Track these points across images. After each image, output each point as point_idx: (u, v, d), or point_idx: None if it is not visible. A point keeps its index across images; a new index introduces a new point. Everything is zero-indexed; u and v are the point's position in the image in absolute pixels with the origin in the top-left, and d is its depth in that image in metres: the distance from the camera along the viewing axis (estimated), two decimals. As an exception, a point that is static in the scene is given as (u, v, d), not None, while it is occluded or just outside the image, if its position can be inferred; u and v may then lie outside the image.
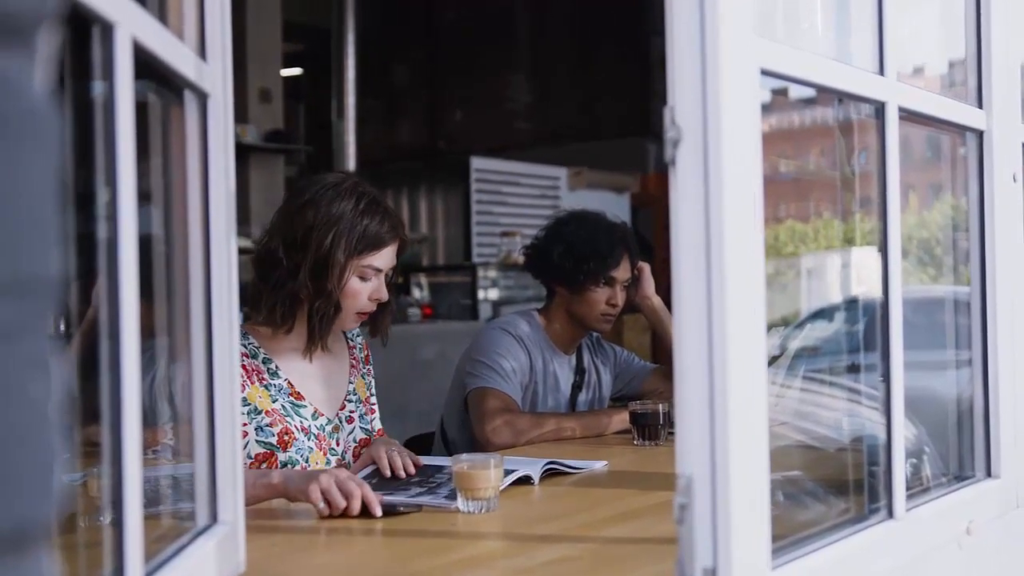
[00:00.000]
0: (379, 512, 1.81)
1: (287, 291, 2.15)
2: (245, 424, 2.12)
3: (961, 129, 1.74)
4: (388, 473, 2.07)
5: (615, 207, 6.10)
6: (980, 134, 1.74)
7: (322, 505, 1.80)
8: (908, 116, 1.51)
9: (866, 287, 1.71)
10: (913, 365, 1.48)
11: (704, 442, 1.09)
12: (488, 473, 1.82)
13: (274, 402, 2.18)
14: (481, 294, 6.93)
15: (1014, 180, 1.78)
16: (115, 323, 0.94)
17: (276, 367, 2.22)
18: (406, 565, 1.60)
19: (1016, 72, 1.80)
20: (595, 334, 3.09)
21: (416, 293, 7.00)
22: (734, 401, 1.08)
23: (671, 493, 1.12)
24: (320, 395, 2.27)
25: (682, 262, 1.10)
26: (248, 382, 2.15)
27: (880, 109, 1.45)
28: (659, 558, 1.48)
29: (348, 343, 2.39)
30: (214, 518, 1.32)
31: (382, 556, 1.70)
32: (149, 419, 1.19)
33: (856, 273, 1.83)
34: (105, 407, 0.94)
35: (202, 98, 1.29)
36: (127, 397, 0.94)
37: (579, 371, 3.03)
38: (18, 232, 0.51)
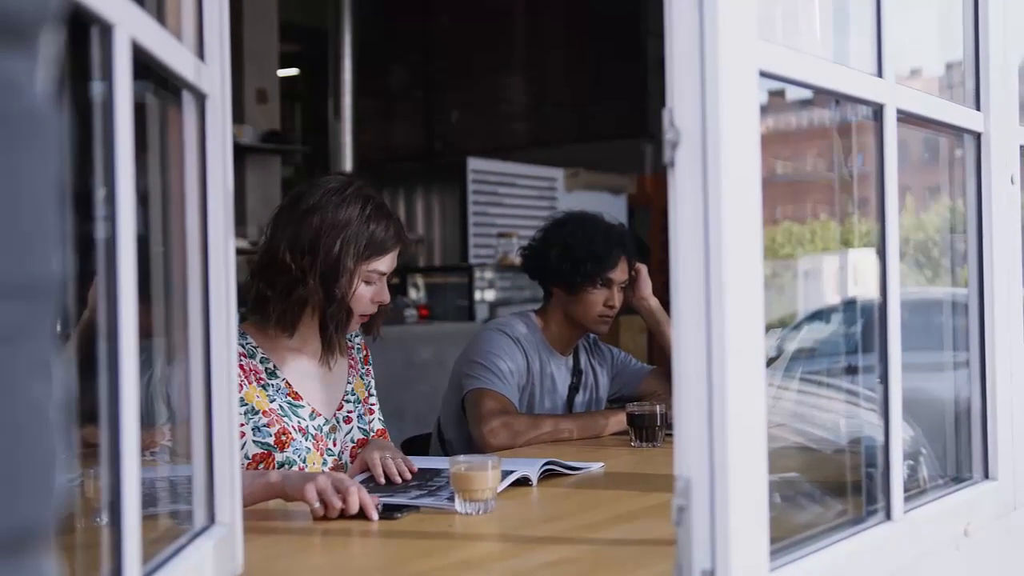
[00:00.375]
0: (375, 517, 1.80)
1: (295, 297, 2.16)
2: (242, 425, 2.11)
3: (959, 131, 1.75)
4: (382, 480, 2.05)
5: (612, 208, 6.09)
6: (978, 136, 1.75)
7: (317, 505, 1.80)
8: (906, 118, 1.51)
9: (863, 289, 1.71)
10: (910, 367, 1.48)
11: (703, 444, 1.09)
12: (486, 474, 1.82)
13: (272, 402, 2.17)
14: (478, 295, 6.92)
15: (1012, 182, 1.78)
16: (113, 324, 0.94)
17: (274, 367, 2.22)
18: (403, 566, 1.59)
19: (1014, 74, 1.81)
20: (592, 335, 3.09)
21: (412, 294, 7.00)
22: (733, 403, 1.08)
23: (669, 495, 1.12)
24: (318, 395, 2.27)
25: (681, 264, 1.10)
26: (245, 382, 2.15)
27: (879, 111, 1.45)
28: (657, 560, 1.48)
29: (347, 343, 2.39)
30: (212, 519, 1.32)
31: (379, 557, 1.70)
32: (145, 420, 1.19)
33: (853, 275, 1.83)
34: (103, 408, 0.94)
35: (200, 99, 1.29)
36: (125, 398, 0.94)
37: (576, 372, 3.03)
38: (20, 234, 0.51)
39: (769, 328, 1.20)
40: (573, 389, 3.02)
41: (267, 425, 2.15)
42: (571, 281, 2.89)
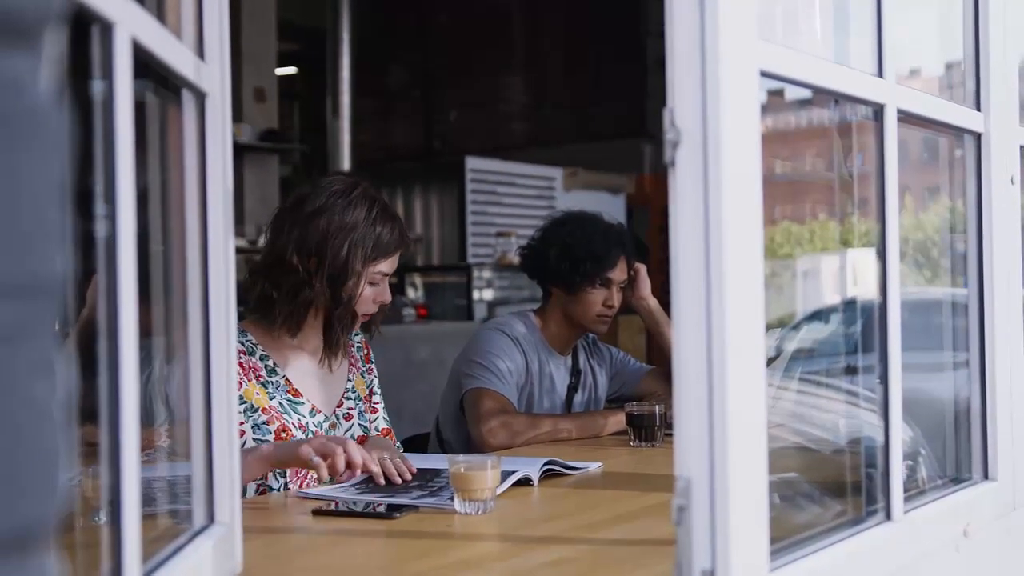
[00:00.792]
0: (375, 468, 1.95)
1: (302, 299, 2.17)
2: (242, 423, 2.11)
3: (959, 132, 1.75)
4: (382, 481, 2.03)
5: (610, 208, 6.09)
6: (978, 136, 1.75)
7: (316, 459, 1.84)
8: (907, 118, 1.51)
9: (862, 289, 1.71)
10: (910, 367, 1.48)
11: (703, 444, 1.09)
12: (485, 474, 1.82)
13: (272, 399, 2.18)
14: (476, 294, 6.92)
15: (1012, 183, 1.78)
16: (114, 322, 0.94)
17: (274, 364, 2.22)
18: (403, 566, 1.59)
19: (1014, 75, 1.81)
20: (591, 335, 3.09)
21: (411, 293, 7.00)
22: (733, 403, 1.08)
23: (669, 495, 1.12)
24: (318, 392, 2.28)
25: (681, 264, 1.10)
26: (245, 379, 2.15)
27: (879, 111, 1.45)
28: (657, 560, 1.48)
29: (348, 342, 2.39)
30: (211, 518, 1.31)
31: (379, 557, 1.70)
32: (144, 419, 1.19)
33: (852, 275, 1.83)
34: (104, 407, 0.94)
35: (200, 98, 1.29)
36: (126, 397, 0.94)
37: (575, 372, 3.03)
38: (23, 233, 0.50)
39: (768, 328, 1.20)
40: (572, 389, 3.01)
41: (267, 423, 2.15)
42: (570, 281, 2.89)
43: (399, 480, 2.04)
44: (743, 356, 1.10)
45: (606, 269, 2.89)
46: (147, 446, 1.38)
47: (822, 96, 1.52)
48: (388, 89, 9.63)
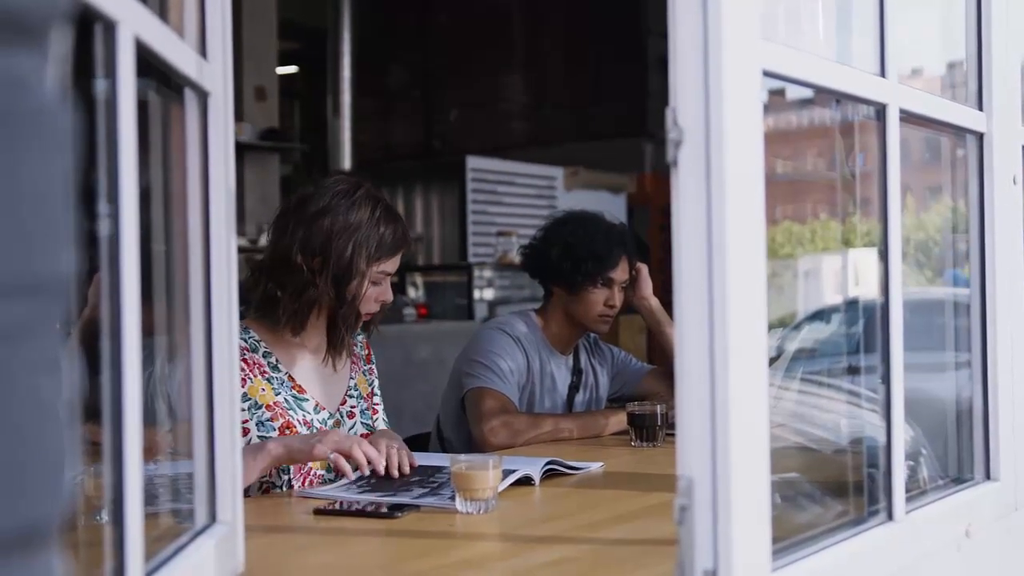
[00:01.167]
0: (381, 467, 1.98)
1: (306, 299, 2.17)
2: (246, 421, 2.12)
3: (961, 131, 1.74)
4: (381, 467, 2.04)
5: (611, 207, 6.09)
6: (980, 136, 1.74)
7: (333, 456, 1.89)
8: (909, 118, 1.51)
9: (864, 289, 1.71)
10: (911, 367, 1.48)
11: (705, 444, 1.09)
12: (487, 474, 1.82)
13: (277, 395, 2.19)
14: (477, 294, 6.92)
15: (1014, 182, 1.78)
16: (117, 322, 0.94)
17: (277, 361, 2.23)
18: (404, 565, 1.59)
19: (1016, 74, 1.81)
20: (592, 335, 3.08)
21: (412, 293, 6.99)
22: (735, 403, 1.08)
23: (670, 494, 1.12)
24: (321, 390, 2.28)
25: (683, 263, 1.10)
26: (250, 376, 2.16)
27: (881, 111, 1.45)
28: (659, 560, 1.48)
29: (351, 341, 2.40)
30: (213, 518, 1.31)
31: (380, 556, 1.70)
32: (146, 418, 1.19)
33: (854, 275, 1.83)
34: (106, 406, 0.94)
35: (203, 96, 1.29)
36: (128, 396, 0.94)
37: (576, 372, 3.03)
38: (30, 231, 0.50)
39: (769, 328, 1.20)
40: (573, 388, 3.01)
41: (271, 419, 2.15)
42: (572, 280, 2.89)
43: (397, 474, 2.05)
44: (745, 356, 1.10)
45: (608, 269, 2.88)
46: (151, 456, 1.38)
47: (824, 96, 1.52)
48: (388, 88, 9.62)
